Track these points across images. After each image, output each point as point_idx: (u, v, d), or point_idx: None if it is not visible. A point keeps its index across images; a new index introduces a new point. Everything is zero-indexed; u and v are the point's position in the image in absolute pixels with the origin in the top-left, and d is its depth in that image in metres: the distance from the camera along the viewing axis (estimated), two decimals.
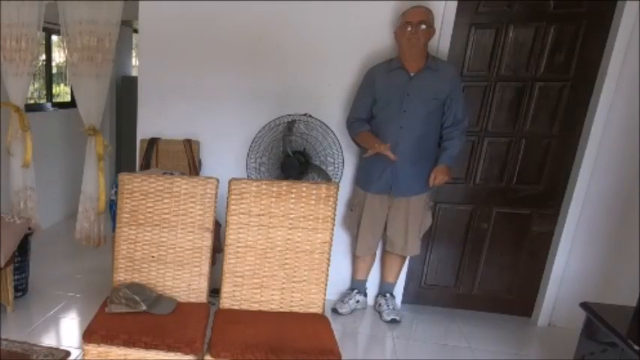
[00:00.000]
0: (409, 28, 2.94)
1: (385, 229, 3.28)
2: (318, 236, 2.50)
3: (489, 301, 3.49)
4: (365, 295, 3.53)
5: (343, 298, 3.50)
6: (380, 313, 3.43)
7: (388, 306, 3.40)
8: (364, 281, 3.51)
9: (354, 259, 3.50)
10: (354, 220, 3.35)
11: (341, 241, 3.42)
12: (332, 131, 3.10)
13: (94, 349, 2.31)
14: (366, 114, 3.16)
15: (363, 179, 3.27)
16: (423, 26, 2.92)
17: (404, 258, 3.38)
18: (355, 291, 3.49)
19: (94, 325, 2.35)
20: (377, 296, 3.53)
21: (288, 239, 2.52)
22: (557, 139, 3.18)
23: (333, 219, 2.49)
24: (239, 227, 2.53)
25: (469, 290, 3.50)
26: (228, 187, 2.51)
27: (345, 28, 3.26)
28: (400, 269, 3.42)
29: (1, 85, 3.95)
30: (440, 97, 3.00)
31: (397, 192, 3.15)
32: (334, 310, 3.43)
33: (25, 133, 3.98)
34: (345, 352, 2.28)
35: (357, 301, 3.49)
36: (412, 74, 3.02)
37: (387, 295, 3.45)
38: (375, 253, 3.44)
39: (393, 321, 3.35)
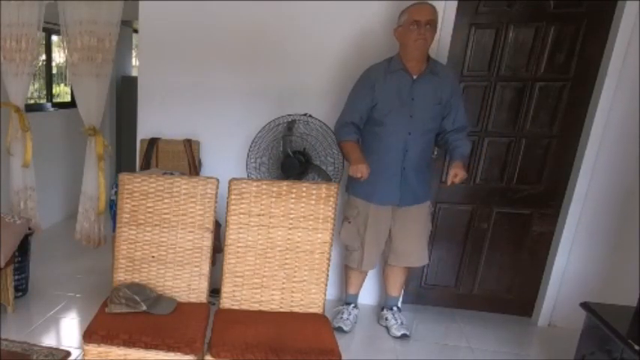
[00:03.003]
0: (416, 28, 2.77)
1: (391, 241, 3.14)
2: (318, 236, 2.50)
3: (489, 301, 3.49)
4: (357, 307, 3.40)
5: (342, 314, 3.31)
6: (387, 328, 3.27)
7: (396, 320, 3.25)
8: (357, 295, 3.40)
9: (348, 272, 3.33)
10: (352, 233, 3.14)
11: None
12: (332, 131, 3.10)
13: (94, 349, 2.31)
14: (360, 118, 2.97)
15: (365, 189, 3.02)
16: (428, 27, 2.78)
17: (407, 269, 3.25)
18: (352, 305, 3.36)
19: (94, 325, 2.35)
20: (382, 310, 3.37)
21: (288, 239, 2.52)
22: (557, 139, 3.18)
23: (334, 219, 2.49)
24: (239, 227, 2.53)
25: (469, 290, 3.50)
26: (228, 187, 2.51)
27: (346, 28, 3.26)
28: (404, 281, 3.31)
29: (1, 85, 3.95)
30: (442, 102, 2.90)
31: (405, 202, 3.01)
32: (339, 329, 3.19)
33: (25, 133, 3.99)
34: (344, 353, 2.28)
35: (355, 315, 3.36)
36: (415, 77, 2.89)
37: (394, 308, 3.30)
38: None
39: (404, 336, 3.19)
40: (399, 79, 2.90)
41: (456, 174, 2.84)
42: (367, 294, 3.55)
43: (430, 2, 2.87)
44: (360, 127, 2.99)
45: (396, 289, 3.32)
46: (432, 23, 2.80)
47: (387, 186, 2.99)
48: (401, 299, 3.51)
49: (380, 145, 2.97)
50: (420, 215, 3.08)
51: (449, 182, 2.87)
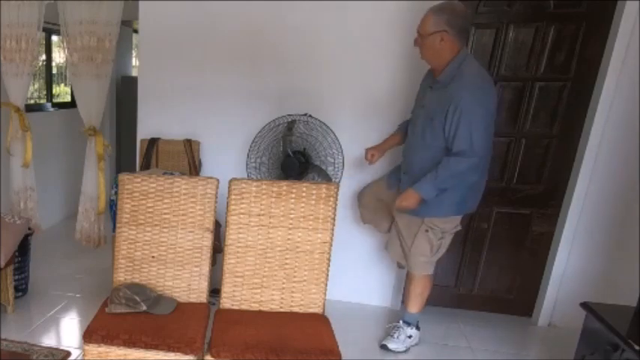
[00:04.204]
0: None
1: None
2: (318, 236, 2.50)
3: (489, 301, 3.49)
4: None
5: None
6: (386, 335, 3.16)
7: (393, 333, 3.08)
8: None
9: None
10: None
11: (343, 240, 3.35)
12: (332, 131, 3.09)
13: (94, 349, 2.31)
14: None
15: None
16: (419, 38, 2.62)
17: (417, 280, 2.99)
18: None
19: (94, 325, 2.35)
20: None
21: (288, 239, 2.52)
22: (557, 139, 3.18)
23: (333, 219, 2.49)
24: (239, 227, 2.53)
25: (469, 290, 3.50)
26: (228, 187, 2.51)
27: (346, 28, 3.26)
28: (417, 295, 3.01)
29: (1, 85, 3.95)
30: (436, 118, 2.60)
31: None
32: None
33: (25, 133, 3.99)
34: (344, 352, 2.28)
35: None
36: (432, 85, 2.72)
37: (400, 322, 3.09)
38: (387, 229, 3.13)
39: (383, 347, 3.07)
40: (428, 81, 2.80)
41: (400, 200, 2.71)
42: (373, 295, 3.57)
43: (434, 10, 2.58)
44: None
45: (407, 301, 3.10)
46: (421, 35, 2.61)
47: (394, 173, 3.02)
48: (402, 297, 3.42)
49: None
50: (406, 226, 2.88)
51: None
